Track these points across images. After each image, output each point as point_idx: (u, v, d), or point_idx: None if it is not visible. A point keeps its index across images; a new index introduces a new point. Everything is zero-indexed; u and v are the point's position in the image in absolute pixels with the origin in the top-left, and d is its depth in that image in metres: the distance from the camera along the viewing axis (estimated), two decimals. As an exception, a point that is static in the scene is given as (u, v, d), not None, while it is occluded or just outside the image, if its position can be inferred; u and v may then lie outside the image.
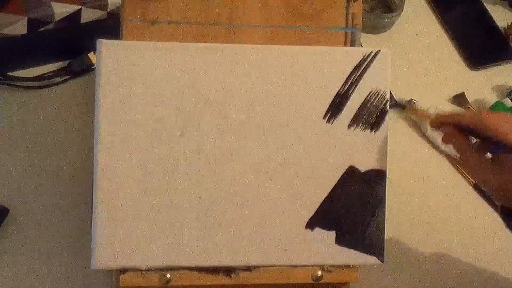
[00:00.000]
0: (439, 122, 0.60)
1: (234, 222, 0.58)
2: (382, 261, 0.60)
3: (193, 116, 0.57)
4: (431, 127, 0.62)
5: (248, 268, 0.59)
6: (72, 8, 0.75)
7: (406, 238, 0.79)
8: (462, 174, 0.86)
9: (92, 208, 0.56)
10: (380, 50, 0.60)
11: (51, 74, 0.80)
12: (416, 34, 0.98)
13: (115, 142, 0.56)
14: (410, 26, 0.97)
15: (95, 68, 0.66)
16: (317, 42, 0.61)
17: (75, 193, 0.73)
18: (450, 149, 0.86)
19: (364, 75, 0.60)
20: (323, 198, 0.59)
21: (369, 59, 0.60)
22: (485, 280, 0.78)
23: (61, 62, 0.82)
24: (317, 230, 0.59)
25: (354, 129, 0.60)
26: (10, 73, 0.79)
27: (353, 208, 0.60)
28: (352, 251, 0.60)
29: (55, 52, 0.81)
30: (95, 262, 0.56)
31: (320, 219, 0.59)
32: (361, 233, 0.60)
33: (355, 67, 0.60)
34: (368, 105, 0.60)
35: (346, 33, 0.62)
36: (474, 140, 0.61)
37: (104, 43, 0.56)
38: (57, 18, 0.75)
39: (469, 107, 0.91)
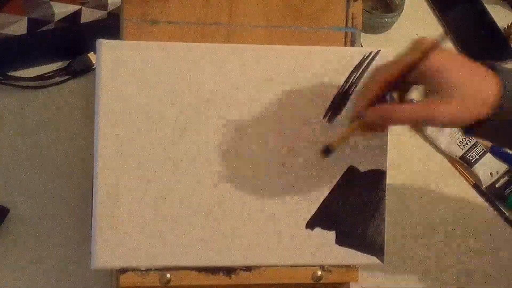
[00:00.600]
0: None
1: (234, 222, 0.58)
2: (382, 261, 0.60)
3: (193, 116, 0.57)
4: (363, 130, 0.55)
5: (248, 268, 0.59)
6: (72, 8, 0.75)
7: (406, 238, 0.79)
8: (462, 174, 0.86)
9: (92, 208, 0.56)
10: (380, 50, 0.60)
11: (51, 74, 0.80)
12: (416, 34, 0.97)
13: (115, 142, 0.56)
14: (410, 26, 0.97)
15: (95, 68, 0.66)
16: (317, 42, 0.61)
17: (75, 193, 0.73)
18: (450, 149, 0.86)
19: (364, 75, 0.60)
20: (323, 198, 0.59)
21: (369, 59, 0.60)
22: (485, 280, 0.78)
23: (61, 62, 0.81)
24: (317, 230, 0.59)
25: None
26: (10, 73, 0.79)
27: (353, 208, 0.60)
28: (352, 251, 0.60)
29: (55, 52, 0.81)
30: (95, 262, 0.56)
31: (320, 219, 0.59)
32: (361, 233, 0.60)
33: (355, 67, 0.60)
34: (368, 105, 0.60)
35: (346, 33, 0.62)
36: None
37: (104, 43, 0.56)
38: (57, 18, 0.75)
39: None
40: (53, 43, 0.79)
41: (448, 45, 0.97)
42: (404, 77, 0.51)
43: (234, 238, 0.58)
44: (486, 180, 0.85)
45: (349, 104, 0.59)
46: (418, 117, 0.51)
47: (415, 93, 0.56)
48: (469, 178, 0.85)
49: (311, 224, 0.59)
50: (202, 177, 0.57)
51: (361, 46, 0.65)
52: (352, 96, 0.59)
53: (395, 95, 0.56)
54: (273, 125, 0.59)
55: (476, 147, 0.85)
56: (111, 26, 0.78)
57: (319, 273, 0.60)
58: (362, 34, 0.63)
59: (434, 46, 0.50)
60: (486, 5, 1.01)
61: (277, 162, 0.59)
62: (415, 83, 0.54)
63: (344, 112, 0.60)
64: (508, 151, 0.87)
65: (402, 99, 0.56)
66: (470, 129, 0.53)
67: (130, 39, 0.58)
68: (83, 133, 0.77)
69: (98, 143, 0.56)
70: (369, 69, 0.60)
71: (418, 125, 0.56)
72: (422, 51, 0.50)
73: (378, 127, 0.56)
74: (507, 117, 0.51)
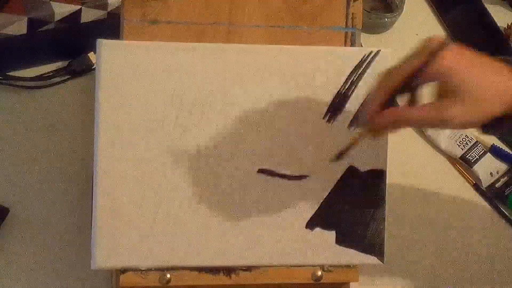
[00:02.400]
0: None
1: (234, 222, 0.58)
2: (382, 261, 0.60)
3: (193, 116, 0.57)
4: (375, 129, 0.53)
5: (248, 268, 0.59)
6: (72, 8, 0.75)
7: (406, 238, 0.79)
8: (462, 174, 0.86)
9: (92, 208, 0.56)
10: (380, 50, 0.60)
11: (51, 74, 0.80)
12: (416, 34, 0.97)
13: (115, 142, 0.56)
14: (410, 26, 0.97)
15: (95, 68, 0.66)
16: (317, 42, 0.61)
17: (75, 193, 0.73)
18: (450, 149, 0.86)
19: (364, 75, 0.60)
20: (323, 198, 0.59)
21: (369, 59, 0.60)
22: (484, 280, 0.78)
23: (61, 62, 0.81)
24: (317, 230, 0.59)
25: (354, 129, 0.60)
26: (10, 73, 0.79)
27: (353, 208, 0.60)
28: (352, 251, 0.60)
29: (55, 52, 0.81)
30: (95, 262, 0.56)
31: (320, 219, 0.59)
32: (361, 233, 0.60)
33: (355, 67, 0.60)
34: (368, 105, 0.60)
35: (346, 33, 0.62)
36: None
37: (104, 43, 0.56)
38: (57, 18, 0.75)
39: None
40: (53, 43, 0.79)
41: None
42: (412, 81, 0.50)
43: (234, 238, 0.58)
44: (486, 180, 0.85)
45: (349, 104, 0.59)
46: (429, 121, 0.50)
47: (426, 93, 0.54)
48: (469, 178, 0.85)
49: (311, 224, 0.59)
50: (202, 177, 0.57)
51: (361, 46, 0.65)
52: (353, 97, 0.59)
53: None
54: (273, 125, 0.59)
55: (476, 147, 0.85)
56: (111, 26, 0.78)
57: (319, 273, 0.60)
58: (362, 34, 0.63)
59: (440, 47, 0.49)
60: (486, 5, 1.01)
61: (277, 161, 0.59)
62: (424, 83, 0.52)
63: (344, 112, 0.60)
64: (508, 150, 0.87)
65: (411, 98, 0.53)
66: (489, 126, 0.51)
67: (130, 39, 0.58)
68: (83, 133, 0.77)
69: (98, 143, 0.56)
70: (370, 71, 0.59)
71: (431, 127, 0.55)
72: (428, 53, 0.49)
73: (388, 131, 0.54)
74: None
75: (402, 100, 0.52)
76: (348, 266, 0.60)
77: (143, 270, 0.57)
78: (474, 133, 0.87)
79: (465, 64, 0.49)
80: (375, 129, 0.53)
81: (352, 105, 0.60)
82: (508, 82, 0.49)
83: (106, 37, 0.56)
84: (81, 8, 0.76)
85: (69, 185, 0.74)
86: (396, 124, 0.52)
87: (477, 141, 0.86)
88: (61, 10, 0.75)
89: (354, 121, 0.59)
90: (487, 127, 0.52)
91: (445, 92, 0.49)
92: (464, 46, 0.51)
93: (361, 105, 0.59)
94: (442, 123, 0.49)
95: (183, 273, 0.58)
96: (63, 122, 0.78)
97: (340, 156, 0.57)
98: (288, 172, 0.59)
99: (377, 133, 0.53)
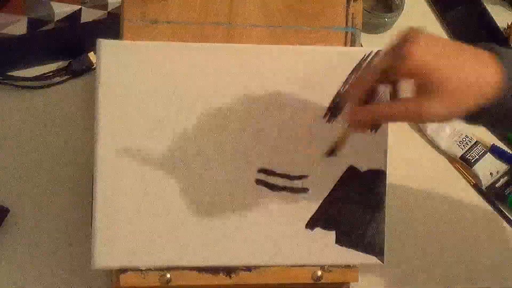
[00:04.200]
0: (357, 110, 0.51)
1: (234, 222, 0.58)
2: (382, 261, 0.60)
3: (193, 116, 0.57)
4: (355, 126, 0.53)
5: (248, 268, 0.59)
6: (72, 8, 0.75)
7: (406, 238, 0.79)
8: (462, 174, 0.86)
9: (92, 208, 0.56)
10: (380, 50, 0.60)
11: (51, 74, 0.80)
12: (416, 34, 0.97)
13: (115, 142, 0.56)
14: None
15: (95, 68, 0.66)
16: (317, 42, 0.61)
17: (75, 193, 0.73)
18: (450, 149, 0.86)
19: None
20: (323, 198, 0.59)
21: (369, 59, 0.60)
22: (485, 280, 0.78)
23: (61, 62, 0.81)
24: (317, 230, 0.59)
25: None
26: (10, 73, 0.79)
27: (353, 208, 0.60)
28: (352, 251, 0.60)
29: (55, 52, 0.81)
30: (95, 262, 0.56)
31: (320, 219, 0.59)
32: (361, 233, 0.60)
33: (355, 67, 0.60)
34: (368, 105, 0.60)
35: (346, 33, 0.62)
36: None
37: (104, 43, 0.56)
38: (57, 18, 0.75)
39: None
40: (53, 43, 0.79)
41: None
42: (387, 77, 0.49)
43: (234, 238, 0.58)
44: (486, 180, 0.85)
45: (349, 104, 0.59)
46: (409, 116, 0.49)
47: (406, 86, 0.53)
48: (469, 178, 0.85)
49: (311, 224, 0.59)
50: (202, 177, 0.57)
51: (361, 46, 0.65)
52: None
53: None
54: (272, 125, 0.59)
55: (476, 147, 0.85)
56: (111, 26, 0.78)
57: (319, 273, 0.60)
58: (362, 34, 0.63)
59: (409, 41, 0.46)
60: (486, 5, 1.01)
61: (277, 161, 0.59)
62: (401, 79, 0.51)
63: (344, 112, 0.59)
64: (508, 150, 0.87)
65: (393, 91, 0.53)
66: (474, 117, 0.50)
67: (130, 39, 0.58)
68: (83, 133, 0.77)
69: (98, 142, 0.56)
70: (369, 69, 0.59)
71: (412, 122, 0.54)
72: (396, 51, 0.47)
73: (372, 125, 0.54)
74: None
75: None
76: (348, 266, 0.60)
77: (143, 270, 0.57)
78: (474, 133, 0.87)
79: (437, 57, 0.47)
80: (357, 126, 0.52)
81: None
82: (490, 75, 0.47)
83: (106, 37, 0.56)
84: (81, 8, 0.76)
85: (69, 185, 0.74)
86: (377, 120, 0.52)
87: (477, 141, 0.86)
88: (61, 10, 0.75)
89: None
90: (472, 118, 0.50)
91: (423, 86, 0.48)
92: (434, 35, 0.48)
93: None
94: (422, 118, 0.48)
95: (183, 273, 0.58)
96: (63, 122, 0.78)
97: (331, 153, 0.58)
98: (288, 172, 0.59)
99: (361, 129, 0.53)
